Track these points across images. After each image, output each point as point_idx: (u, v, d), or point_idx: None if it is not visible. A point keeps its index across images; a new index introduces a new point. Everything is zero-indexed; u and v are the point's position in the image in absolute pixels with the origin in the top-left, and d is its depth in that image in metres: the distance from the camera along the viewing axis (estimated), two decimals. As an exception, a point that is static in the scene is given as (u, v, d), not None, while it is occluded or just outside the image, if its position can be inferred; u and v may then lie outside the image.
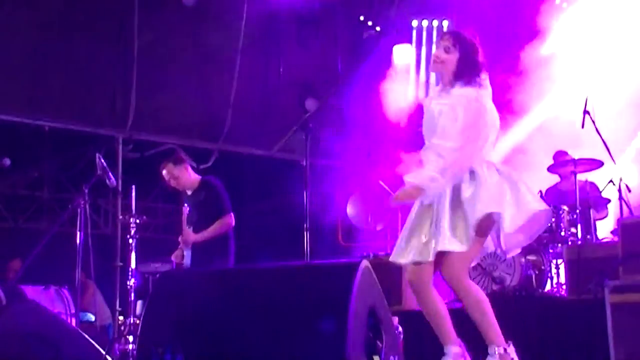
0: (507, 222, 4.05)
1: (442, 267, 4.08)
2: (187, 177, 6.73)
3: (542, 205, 4.21)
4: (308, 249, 4.86)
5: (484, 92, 4.20)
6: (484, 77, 4.23)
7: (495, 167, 4.20)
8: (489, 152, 4.24)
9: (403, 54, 10.45)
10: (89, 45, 8.69)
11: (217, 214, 6.52)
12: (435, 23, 10.36)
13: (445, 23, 10.23)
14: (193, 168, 7.08)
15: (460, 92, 4.17)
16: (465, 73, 4.20)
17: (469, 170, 4.12)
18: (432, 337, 4.25)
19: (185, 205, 6.61)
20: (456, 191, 4.09)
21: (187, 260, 6.54)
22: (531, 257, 6.94)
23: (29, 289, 7.66)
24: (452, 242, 3.99)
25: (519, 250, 4.45)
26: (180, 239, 6.56)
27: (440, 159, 4.07)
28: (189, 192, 6.72)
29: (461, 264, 4.09)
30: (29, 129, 9.18)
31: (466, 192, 4.06)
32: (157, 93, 9.08)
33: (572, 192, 7.05)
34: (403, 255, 4.12)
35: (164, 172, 6.73)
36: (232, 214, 6.58)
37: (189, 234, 6.52)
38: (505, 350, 4.02)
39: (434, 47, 4.51)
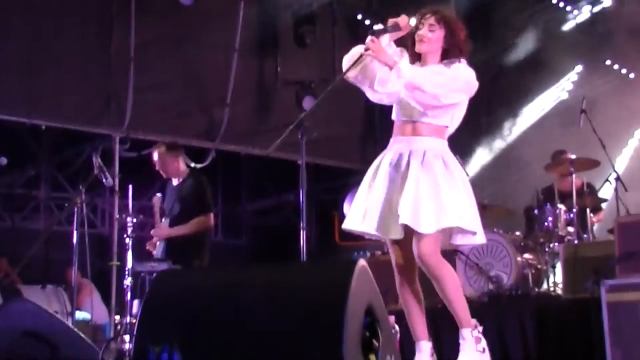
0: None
1: (416, 244, 4.02)
2: (175, 165, 6.69)
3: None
4: (304, 248, 4.85)
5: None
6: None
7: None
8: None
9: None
10: (86, 44, 8.68)
11: (199, 211, 6.46)
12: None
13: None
14: (187, 166, 7.06)
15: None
16: (453, 51, 4.12)
17: (441, 155, 4.08)
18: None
19: (158, 195, 6.57)
20: (429, 169, 4.04)
21: (158, 251, 6.51)
22: (528, 256, 6.95)
23: (26, 288, 7.67)
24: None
25: None
26: (152, 231, 6.52)
27: (428, 81, 3.98)
28: (175, 182, 6.70)
29: (436, 241, 4.03)
30: (26, 128, 9.17)
31: (441, 178, 4.02)
32: (154, 92, 9.07)
33: (569, 191, 7.06)
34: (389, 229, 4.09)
35: (155, 152, 6.72)
36: (212, 215, 6.50)
37: (163, 228, 6.48)
38: (479, 332, 4.03)
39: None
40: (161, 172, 6.77)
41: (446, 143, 4.17)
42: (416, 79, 3.98)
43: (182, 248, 6.39)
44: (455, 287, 4.03)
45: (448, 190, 3.99)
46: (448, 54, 4.13)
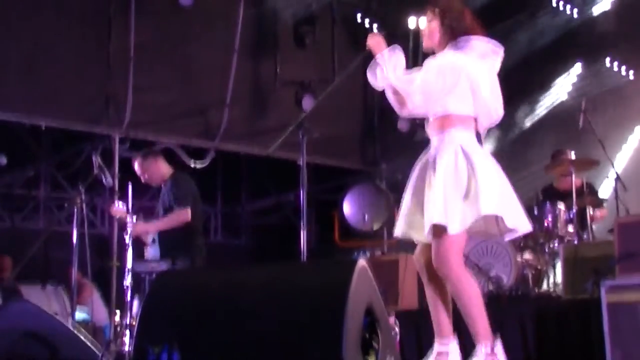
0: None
1: (432, 251, 3.97)
2: (156, 171, 6.65)
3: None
4: (304, 248, 4.85)
5: (470, 58, 3.99)
6: (476, 43, 4.01)
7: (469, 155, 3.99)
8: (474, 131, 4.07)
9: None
10: (86, 44, 8.68)
11: (174, 207, 6.40)
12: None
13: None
14: (186, 165, 7.04)
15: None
16: (450, 38, 4.03)
17: (436, 151, 4.00)
18: (428, 336, 4.25)
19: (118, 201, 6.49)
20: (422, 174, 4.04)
21: (150, 253, 6.47)
22: (527, 257, 6.95)
23: (26, 288, 7.67)
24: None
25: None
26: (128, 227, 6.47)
27: (411, 86, 3.94)
28: (163, 187, 6.69)
29: (454, 247, 3.96)
30: (26, 128, 9.17)
31: (428, 182, 3.98)
32: (153, 92, 9.07)
33: (568, 191, 7.06)
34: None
35: (136, 166, 6.71)
36: (187, 210, 6.36)
37: (138, 224, 6.33)
38: (492, 349, 3.87)
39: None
40: (149, 182, 6.74)
41: (455, 132, 4.01)
42: (398, 86, 3.97)
43: (170, 248, 6.36)
44: (470, 300, 3.90)
45: (430, 192, 3.96)
46: (447, 41, 4.06)
